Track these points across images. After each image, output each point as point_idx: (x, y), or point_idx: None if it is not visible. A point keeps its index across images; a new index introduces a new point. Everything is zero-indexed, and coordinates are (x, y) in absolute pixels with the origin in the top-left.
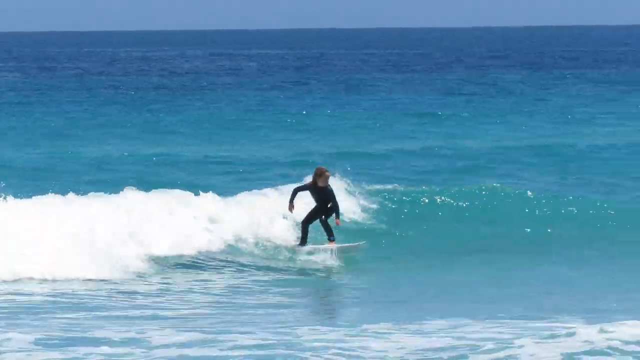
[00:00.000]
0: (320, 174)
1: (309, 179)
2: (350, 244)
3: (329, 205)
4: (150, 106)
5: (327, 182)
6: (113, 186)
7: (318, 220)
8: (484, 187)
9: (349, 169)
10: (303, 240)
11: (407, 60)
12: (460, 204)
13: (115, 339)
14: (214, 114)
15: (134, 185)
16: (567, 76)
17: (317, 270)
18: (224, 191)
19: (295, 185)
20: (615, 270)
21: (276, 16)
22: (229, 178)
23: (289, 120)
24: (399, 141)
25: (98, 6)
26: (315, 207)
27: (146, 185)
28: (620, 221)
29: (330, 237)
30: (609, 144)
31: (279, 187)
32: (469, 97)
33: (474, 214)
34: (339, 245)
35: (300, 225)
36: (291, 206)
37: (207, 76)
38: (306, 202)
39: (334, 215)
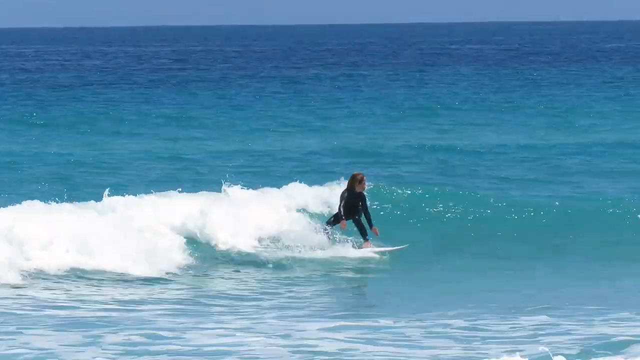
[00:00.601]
0: (360, 180)
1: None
2: (393, 248)
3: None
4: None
5: (364, 188)
6: None
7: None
8: None
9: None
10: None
11: None
12: None
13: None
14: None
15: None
16: None
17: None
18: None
19: (338, 202)
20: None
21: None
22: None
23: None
24: None
25: None
26: (343, 211)
27: None
28: None
29: (366, 237)
30: None
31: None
32: None
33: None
34: (381, 249)
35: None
36: (344, 222)
37: None
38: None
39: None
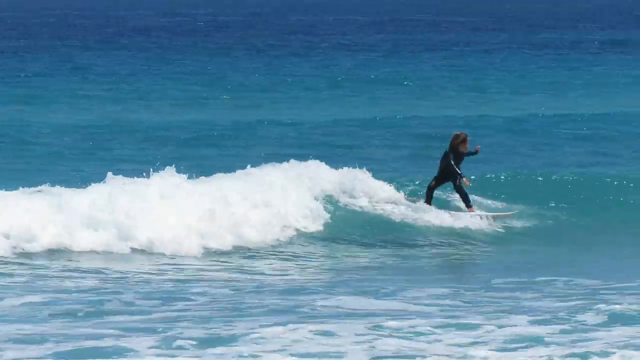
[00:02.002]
0: (464, 139)
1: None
2: (503, 213)
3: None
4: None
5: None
6: None
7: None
8: None
9: None
10: (428, 200)
11: None
12: None
13: None
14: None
15: None
16: None
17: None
18: None
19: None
20: None
21: None
22: None
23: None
24: None
25: None
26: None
27: None
28: None
29: (469, 204)
30: None
31: None
32: None
33: None
34: (490, 213)
35: (426, 190)
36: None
37: None
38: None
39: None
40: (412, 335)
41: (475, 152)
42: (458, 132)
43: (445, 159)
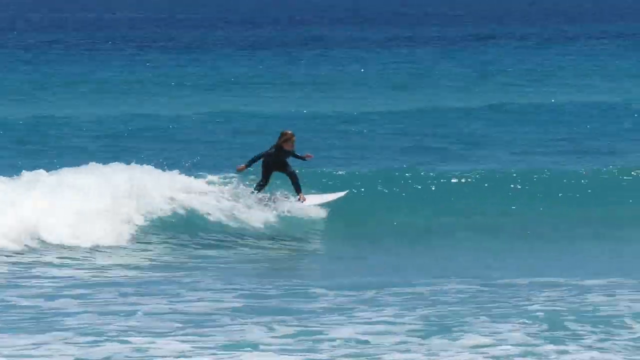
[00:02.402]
0: (289, 138)
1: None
2: (332, 194)
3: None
4: None
5: (293, 146)
6: None
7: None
8: None
9: None
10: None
11: None
12: None
13: None
14: None
15: None
16: None
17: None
18: None
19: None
20: None
21: None
22: None
23: None
24: None
25: None
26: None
27: None
28: None
29: (299, 189)
30: None
31: None
32: None
33: None
34: (321, 197)
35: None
36: (243, 167)
37: None
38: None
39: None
40: None
41: (303, 158)
42: (286, 130)
43: (278, 159)
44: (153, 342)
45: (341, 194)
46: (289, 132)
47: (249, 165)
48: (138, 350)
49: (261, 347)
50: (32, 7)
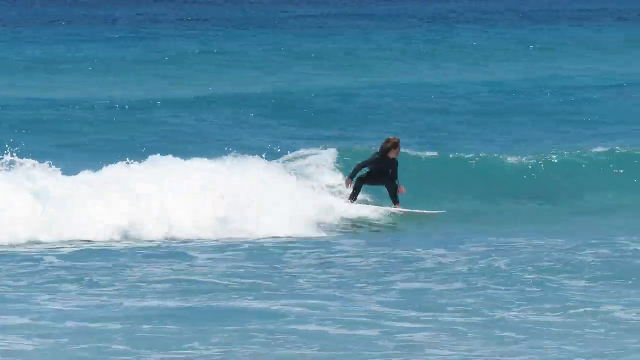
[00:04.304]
0: (395, 145)
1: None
2: (428, 212)
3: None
4: None
5: (398, 153)
6: None
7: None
8: None
9: None
10: (353, 196)
11: None
12: None
13: None
14: None
15: None
16: None
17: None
18: None
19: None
20: None
21: None
22: None
23: None
24: None
25: None
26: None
27: None
28: None
29: (396, 200)
30: None
31: None
32: None
33: None
34: (412, 210)
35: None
36: (350, 181)
37: None
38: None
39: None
40: None
41: (397, 187)
42: (393, 137)
43: (386, 165)
44: None
45: (436, 212)
46: (396, 138)
47: (352, 176)
48: None
49: None
50: None
